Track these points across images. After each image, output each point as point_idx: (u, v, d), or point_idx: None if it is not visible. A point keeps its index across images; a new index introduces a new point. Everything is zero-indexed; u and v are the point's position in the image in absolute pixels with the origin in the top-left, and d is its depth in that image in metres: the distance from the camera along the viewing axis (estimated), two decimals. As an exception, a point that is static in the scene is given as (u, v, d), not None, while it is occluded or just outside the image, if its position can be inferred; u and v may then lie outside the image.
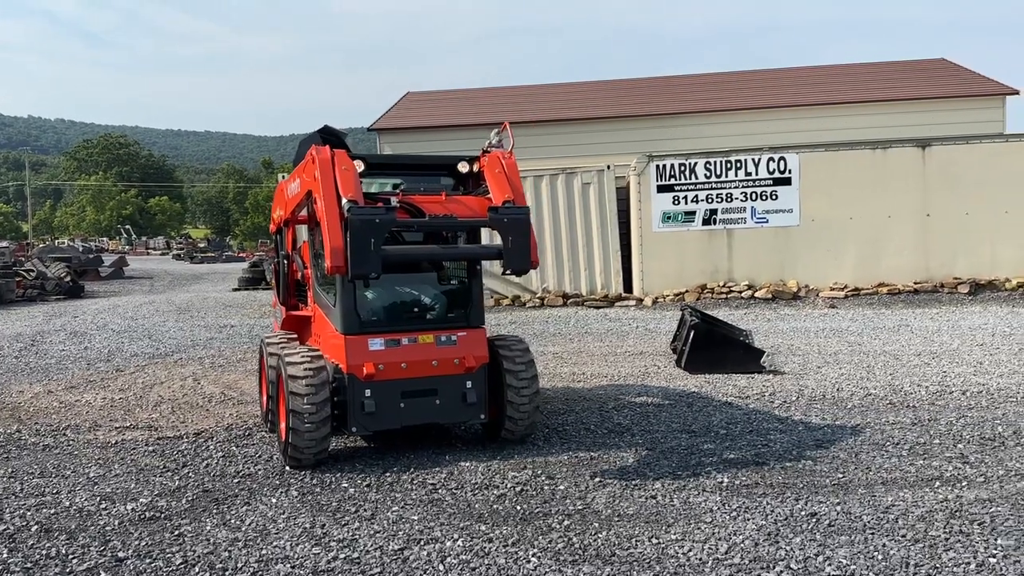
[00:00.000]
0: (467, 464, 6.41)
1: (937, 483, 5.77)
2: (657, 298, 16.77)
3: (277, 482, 6.07)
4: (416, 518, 5.27)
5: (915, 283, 16.14)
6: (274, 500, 5.66)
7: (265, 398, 7.71)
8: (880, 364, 10.28)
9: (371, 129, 19.82)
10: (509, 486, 5.86)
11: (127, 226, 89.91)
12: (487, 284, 17.17)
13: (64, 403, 9.12)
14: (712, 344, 10.06)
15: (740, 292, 16.64)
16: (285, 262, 8.22)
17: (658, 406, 8.35)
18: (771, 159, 16.60)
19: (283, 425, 6.45)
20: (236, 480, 6.14)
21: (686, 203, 16.84)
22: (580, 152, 18.43)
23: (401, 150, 19.67)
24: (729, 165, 16.72)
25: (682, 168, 16.78)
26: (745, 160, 16.68)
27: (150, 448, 7.12)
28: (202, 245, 75.59)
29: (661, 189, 16.85)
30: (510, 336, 7.25)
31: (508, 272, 6.34)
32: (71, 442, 7.40)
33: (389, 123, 20.10)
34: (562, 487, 5.85)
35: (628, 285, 17.11)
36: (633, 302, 16.79)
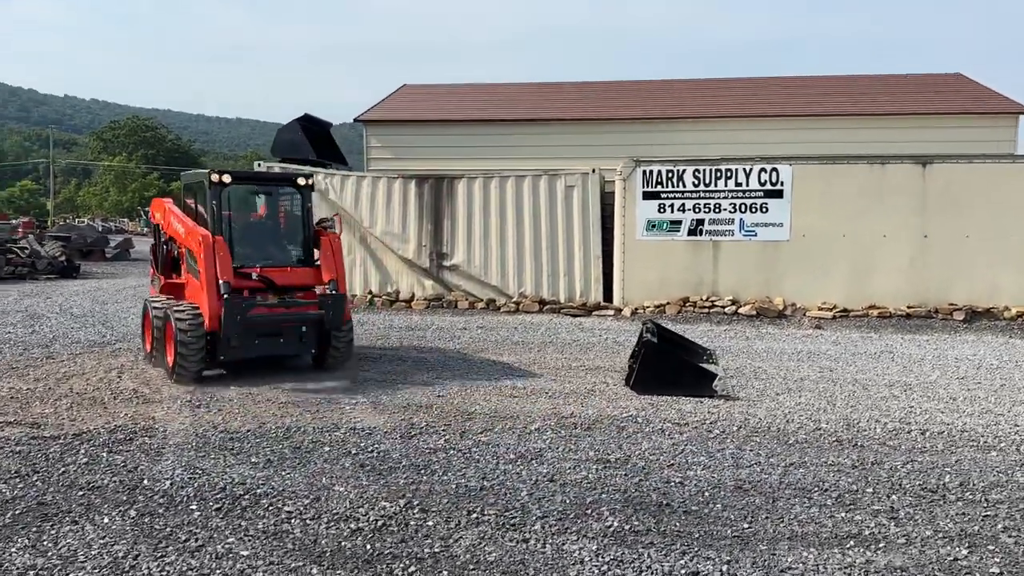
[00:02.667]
0: (341, 489, 5.83)
1: (851, 543, 5.10)
2: (637, 309, 16.08)
3: (124, 498, 5.53)
4: (246, 554, 4.69)
5: (908, 307, 15.33)
6: (106, 520, 5.12)
7: (150, 343, 10.35)
8: (845, 394, 9.56)
9: (358, 120, 19.29)
10: (372, 519, 5.28)
11: (147, 208, 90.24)
12: (464, 286, 16.65)
13: (-34, 392, 8.65)
14: (664, 364, 9.40)
15: (723, 307, 15.91)
16: (165, 246, 10.68)
17: (587, 429, 7.72)
18: (763, 170, 15.84)
19: (171, 355, 9.22)
20: (81, 492, 5.60)
21: (672, 211, 16.13)
22: (567, 154, 17.78)
23: (388, 142, 19.15)
24: (719, 174, 15.98)
25: (670, 175, 16.07)
26: (736, 170, 15.94)
27: (17, 449, 6.61)
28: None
29: (647, 196, 16.15)
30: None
31: (329, 328, 9.68)
32: (-61, 437, 6.90)
33: (377, 115, 19.55)
34: (431, 523, 5.25)
35: (608, 294, 16.44)
36: (611, 312, 16.11)
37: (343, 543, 4.89)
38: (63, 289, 20.90)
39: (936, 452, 7.20)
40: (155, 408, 8.10)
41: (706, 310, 15.97)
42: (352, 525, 5.16)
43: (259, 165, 17.32)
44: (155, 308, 9.99)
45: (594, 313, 16.11)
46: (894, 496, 5.98)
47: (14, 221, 50.15)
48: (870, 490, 6.10)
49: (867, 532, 5.27)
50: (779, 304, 15.77)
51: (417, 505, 5.54)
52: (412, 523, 5.23)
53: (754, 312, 15.68)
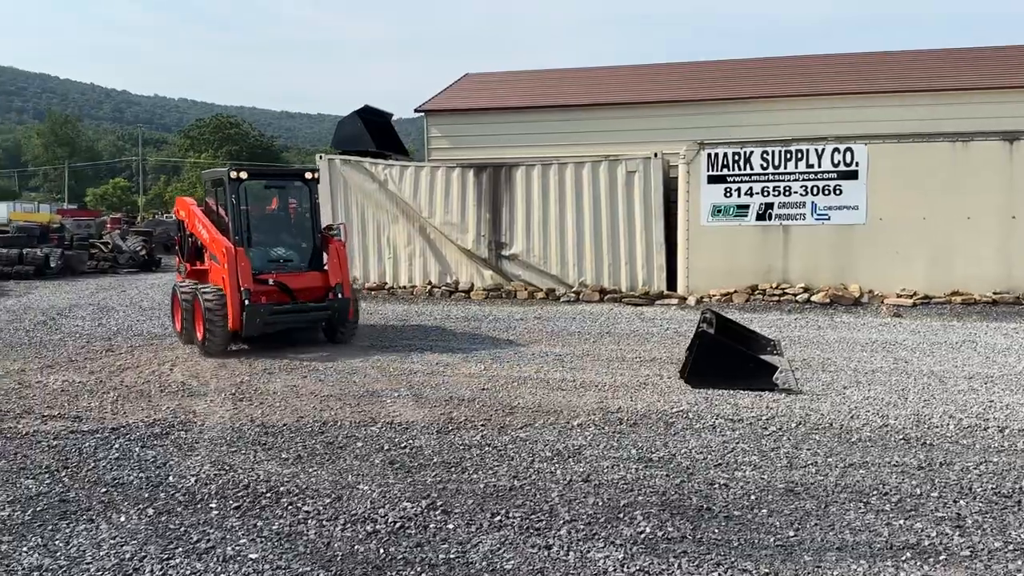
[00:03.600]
0: (365, 488, 5.63)
1: (907, 554, 4.63)
2: (702, 297, 15.52)
3: (146, 495, 5.45)
4: (254, 557, 4.53)
5: (994, 293, 14.35)
6: (122, 519, 5.03)
7: (179, 323, 11.39)
8: (919, 387, 8.91)
9: (419, 111, 19.15)
10: (391, 520, 5.06)
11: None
12: (523, 275, 16.38)
13: (22, 384, 8.83)
14: (719, 355, 8.92)
15: (795, 295, 15.21)
16: (189, 238, 11.87)
17: (633, 425, 7.35)
18: (836, 150, 15.06)
19: (200, 332, 10.56)
20: (104, 489, 5.55)
21: (739, 196, 15.49)
22: (632, 138, 17.20)
23: (449, 132, 18.97)
24: (789, 156, 15.26)
25: (736, 158, 15.43)
26: (807, 150, 15.19)
27: (55, 443, 6.64)
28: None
29: (712, 180, 15.55)
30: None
31: (336, 325, 11.31)
32: (-17, 431, 7.00)
33: (437, 104, 19.38)
34: (451, 525, 5.00)
35: (672, 282, 15.92)
36: (675, 301, 15.60)
37: (356, 547, 4.68)
38: (140, 282, 21.50)
39: (1015, 452, 6.58)
40: (198, 401, 8.08)
41: (776, 298, 15.32)
42: (369, 527, 4.95)
43: (320, 158, 17.38)
44: (183, 292, 11.16)
45: (657, 302, 15.62)
46: (962, 501, 5.45)
47: (105, 217, 52.32)
48: (935, 494, 5.58)
49: (927, 542, 4.78)
50: (854, 291, 15.00)
51: (440, 506, 5.29)
52: (431, 526, 4.99)
53: (828, 300, 14.95)
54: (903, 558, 4.58)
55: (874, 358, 10.64)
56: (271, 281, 10.72)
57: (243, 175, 10.77)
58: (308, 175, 11.41)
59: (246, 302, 10.23)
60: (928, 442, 6.85)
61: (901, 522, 5.09)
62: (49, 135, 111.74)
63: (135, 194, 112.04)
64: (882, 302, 14.78)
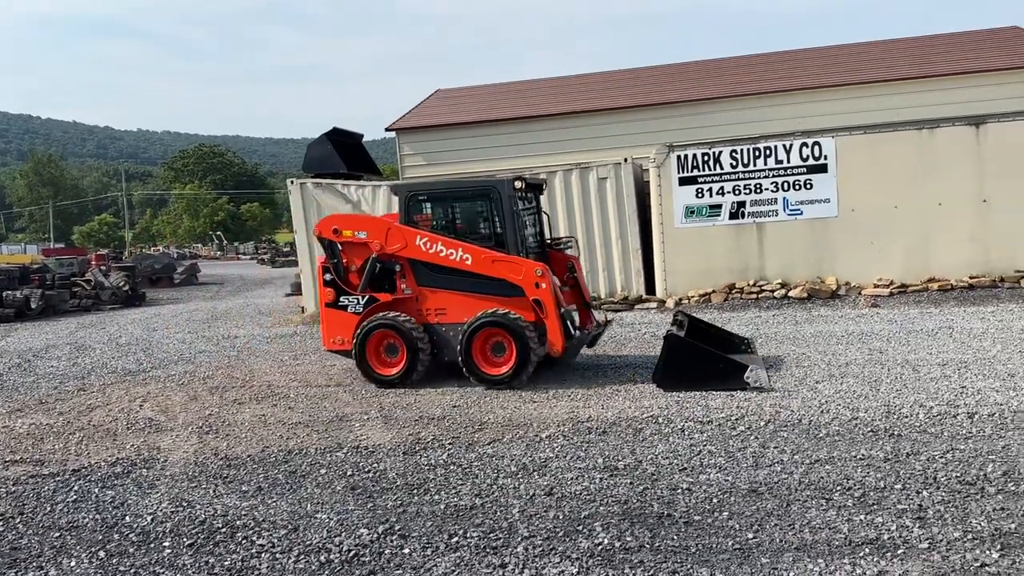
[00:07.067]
0: (323, 516, 5.55)
1: (865, 550, 4.58)
2: (681, 299, 15.50)
3: (99, 537, 5.36)
4: (202, 593, 4.45)
5: (970, 278, 14.36)
6: (72, 563, 4.95)
7: (401, 365, 9.81)
8: (892, 377, 8.89)
9: (390, 129, 19.15)
10: (346, 548, 4.98)
11: (219, 232, 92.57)
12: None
13: (-12, 431, 8.71)
14: (689, 358, 8.89)
15: (773, 291, 15.20)
16: (378, 263, 9.94)
17: (602, 433, 7.30)
18: (804, 145, 15.08)
19: (502, 366, 9.55)
20: (58, 534, 5.46)
21: (711, 196, 15.49)
22: (601, 145, 17.28)
23: (420, 149, 18.97)
24: (758, 153, 15.28)
25: (705, 158, 15.44)
26: (775, 147, 15.22)
27: (12, 489, 6.53)
28: (286, 249, 77.05)
29: (683, 182, 15.55)
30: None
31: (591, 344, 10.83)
32: (-58, 481, 6.90)
33: (408, 122, 19.38)
34: (407, 550, 4.93)
35: (651, 287, 15.90)
36: (654, 305, 15.57)
37: (322, 572, 4.60)
38: (121, 318, 21.33)
39: (983, 438, 6.55)
40: (164, 437, 7.99)
41: (754, 296, 15.31)
42: (323, 557, 4.87)
43: (291, 183, 17.33)
44: (409, 326, 9.73)
45: (637, 307, 15.59)
46: (925, 492, 5.40)
47: (90, 255, 52.15)
48: (899, 487, 5.54)
49: (886, 537, 4.73)
50: (831, 284, 15.00)
51: (398, 531, 5.22)
52: (387, 552, 4.91)
53: (805, 295, 14.95)
54: (861, 554, 4.53)
55: (849, 350, 10.62)
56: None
57: (520, 184, 9.73)
58: (543, 187, 11.34)
59: (570, 325, 9.59)
60: (896, 433, 6.82)
61: (862, 517, 5.04)
62: (32, 176, 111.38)
63: (122, 229, 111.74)
64: (859, 293, 14.78)
